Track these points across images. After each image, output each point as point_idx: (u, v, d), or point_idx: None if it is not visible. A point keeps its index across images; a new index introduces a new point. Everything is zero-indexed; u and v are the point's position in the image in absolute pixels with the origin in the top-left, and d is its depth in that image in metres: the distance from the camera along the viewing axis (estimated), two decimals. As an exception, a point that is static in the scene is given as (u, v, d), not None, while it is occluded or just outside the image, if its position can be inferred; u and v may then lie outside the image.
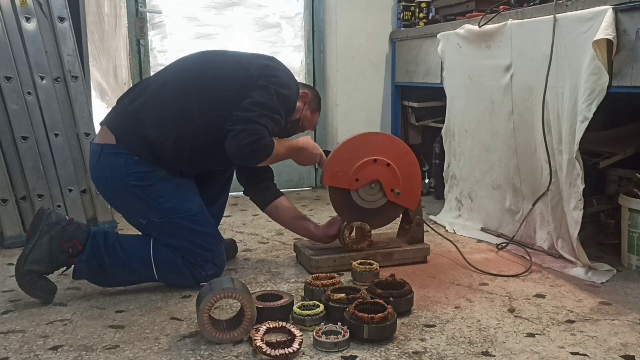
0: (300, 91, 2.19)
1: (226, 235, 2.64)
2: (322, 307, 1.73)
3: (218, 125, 1.94)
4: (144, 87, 2.07)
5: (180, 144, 1.95)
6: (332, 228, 2.25)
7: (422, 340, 1.62)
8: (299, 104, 2.18)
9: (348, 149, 2.19)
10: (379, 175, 2.21)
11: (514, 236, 2.48)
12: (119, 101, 2.07)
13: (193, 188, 2.06)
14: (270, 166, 2.24)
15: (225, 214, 2.51)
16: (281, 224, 2.36)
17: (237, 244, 2.47)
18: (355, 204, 2.23)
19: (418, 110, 3.63)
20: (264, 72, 2.03)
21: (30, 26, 2.64)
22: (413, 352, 1.54)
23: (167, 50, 3.57)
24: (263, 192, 2.30)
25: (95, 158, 1.98)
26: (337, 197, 2.23)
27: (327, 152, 2.22)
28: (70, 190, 2.70)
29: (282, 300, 1.76)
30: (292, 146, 2.12)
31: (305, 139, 2.17)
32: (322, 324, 1.67)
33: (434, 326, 1.71)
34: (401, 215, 2.37)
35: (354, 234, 2.25)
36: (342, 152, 2.19)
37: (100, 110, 3.11)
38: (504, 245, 2.47)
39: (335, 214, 2.28)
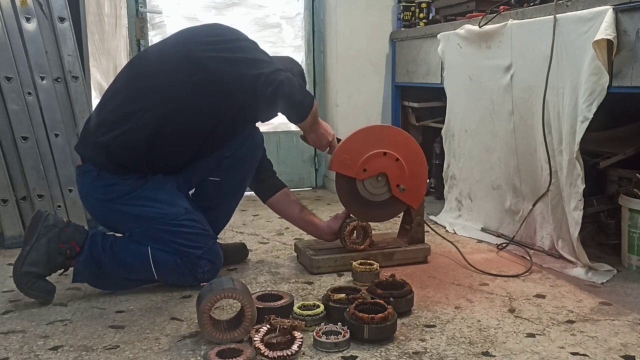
0: None
1: (226, 235, 2.64)
2: (322, 307, 1.73)
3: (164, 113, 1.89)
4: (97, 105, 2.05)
5: (130, 139, 1.89)
6: (337, 223, 2.23)
7: (422, 340, 1.62)
8: None
9: (360, 138, 2.18)
10: (387, 169, 2.20)
11: (514, 236, 2.48)
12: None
13: (170, 190, 2.00)
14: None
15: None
16: (284, 217, 2.32)
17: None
18: (359, 194, 2.23)
19: (418, 110, 3.63)
20: (206, 46, 1.87)
21: (30, 26, 2.64)
22: (413, 352, 1.55)
23: (167, 50, 3.56)
24: (264, 183, 2.26)
25: (76, 179, 2.03)
26: (342, 185, 2.22)
27: (338, 140, 2.19)
28: (70, 191, 2.69)
29: (282, 300, 1.76)
30: (315, 113, 1.97)
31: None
32: (322, 324, 1.67)
33: (434, 326, 1.71)
34: (402, 215, 2.37)
35: (354, 235, 2.25)
36: (354, 140, 2.17)
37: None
38: (504, 245, 2.47)
39: (335, 213, 2.27)
